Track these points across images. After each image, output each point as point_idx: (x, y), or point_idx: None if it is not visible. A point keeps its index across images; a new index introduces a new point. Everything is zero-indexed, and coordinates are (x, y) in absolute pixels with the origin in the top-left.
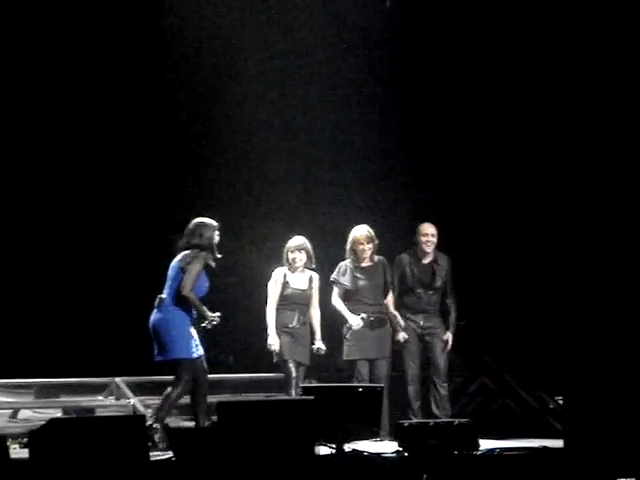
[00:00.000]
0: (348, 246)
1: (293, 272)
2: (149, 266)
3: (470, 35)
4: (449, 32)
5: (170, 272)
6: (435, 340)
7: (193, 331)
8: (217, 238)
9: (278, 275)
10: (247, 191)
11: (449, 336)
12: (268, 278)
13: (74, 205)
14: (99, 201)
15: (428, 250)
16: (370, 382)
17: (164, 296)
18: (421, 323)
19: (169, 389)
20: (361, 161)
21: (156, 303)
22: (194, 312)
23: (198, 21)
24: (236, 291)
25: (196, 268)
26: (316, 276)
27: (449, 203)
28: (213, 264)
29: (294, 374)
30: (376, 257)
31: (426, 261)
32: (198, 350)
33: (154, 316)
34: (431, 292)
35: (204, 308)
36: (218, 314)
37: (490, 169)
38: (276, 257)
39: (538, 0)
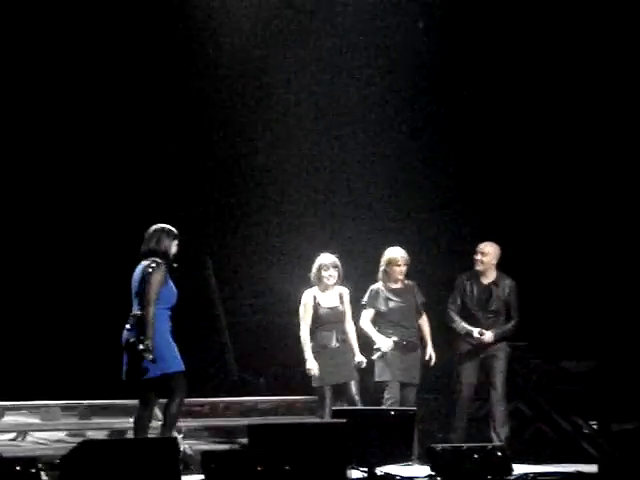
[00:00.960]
0: (382, 267)
1: (323, 291)
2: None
3: (504, 48)
4: (482, 44)
5: (135, 285)
6: (495, 363)
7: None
8: (175, 248)
9: (308, 298)
10: (274, 212)
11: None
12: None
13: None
14: (119, 220)
15: (478, 268)
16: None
17: (138, 312)
18: (481, 346)
19: (167, 404)
20: (393, 181)
21: (132, 322)
22: (169, 322)
23: (233, 32)
24: (266, 312)
25: (156, 279)
26: (346, 291)
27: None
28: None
29: (328, 399)
30: (406, 280)
31: (485, 282)
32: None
33: (129, 333)
34: (489, 315)
35: (151, 331)
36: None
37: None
38: (304, 277)
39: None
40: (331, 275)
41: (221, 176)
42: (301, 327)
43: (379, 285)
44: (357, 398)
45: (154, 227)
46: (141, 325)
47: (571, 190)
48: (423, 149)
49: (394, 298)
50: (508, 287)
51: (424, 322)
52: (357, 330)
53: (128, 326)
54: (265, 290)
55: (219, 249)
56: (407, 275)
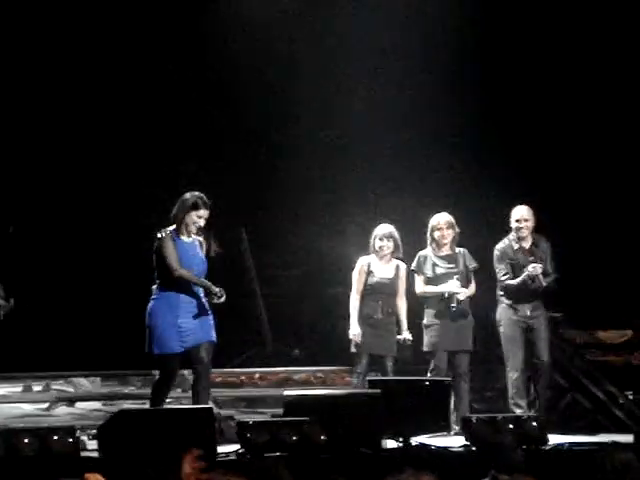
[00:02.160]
0: (428, 233)
1: (379, 260)
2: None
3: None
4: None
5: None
6: (541, 331)
7: (183, 321)
8: (195, 219)
9: (362, 263)
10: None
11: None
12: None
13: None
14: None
15: (522, 235)
16: (449, 376)
17: (153, 287)
18: (528, 313)
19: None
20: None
21: (156, 291)
22: (192, 297)
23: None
24: (301, 283)
25: (166, 247)
26: (403, 265)
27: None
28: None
29: (364, 367)
30: (457, 248)
31: (526, 246)
32: (185, 343)
33: (147, 307)
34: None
35: (205, 282)
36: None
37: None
38: (356, 247)
39: None
40: (385, 245)
41: (259, 147)
42: (352, 292)
43: (427, 251)
44: (391, 373)
45: (188, 195)
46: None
47: (610, 155)
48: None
49: (442, 264)
50: (546, 247)
51: (471, 289)
52: (417, 297)
53: (155, 296)
54: (300, 261)
55: (254, 220)
56: (458, 242)
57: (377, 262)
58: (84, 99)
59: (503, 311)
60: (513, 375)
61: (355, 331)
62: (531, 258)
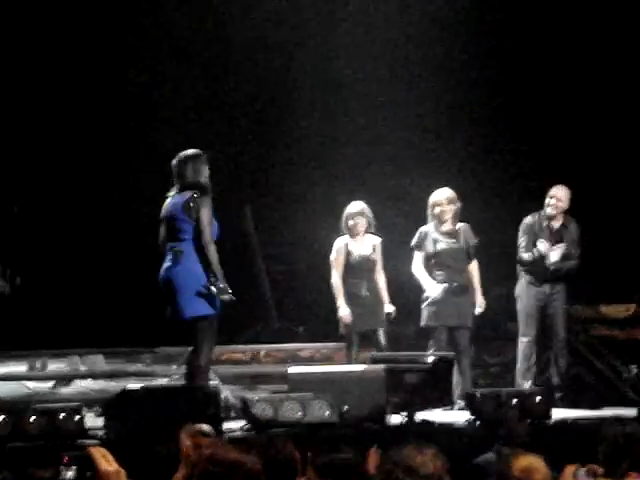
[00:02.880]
0: (429, 210)
1: (354, 239)
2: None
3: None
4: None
5: (173, 217)
6: (559, 309)
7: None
8: (207, 172)
9: (339, 245)
10: (314, 161)
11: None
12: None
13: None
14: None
15: (551, 212)
16: (450, 351)
17: (181, 249)
18: (547, 291)
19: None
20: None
21: (171, 257)
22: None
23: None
24: (304, 261)
25: (206, 214)
26: (378, 240)
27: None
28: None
29: (355, 345)
30: (459, 223)
31: (556, 225)
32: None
33: (173, 270)
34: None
35: (220, 270)
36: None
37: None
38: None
39: None
40: (357, 223)
41: (260, 128)
42: (332, 275)
43: (428, 227)
44: (385, 344)
45: (184, 154)
46: (205, 263)
47: (621, 132)
48: (466, 90)
49: (443, 240)
50: (575, 231)
51: (474, 267)
52: (408, 274)
53: (169, 263)
54: (306, 238)
55: (258, 198)
56: (459, 217)
57: (352, 241)
58: (90, 83)
59: (522, 287)
60: (522, 344)
61: (344, 312)
62: (548, 246)
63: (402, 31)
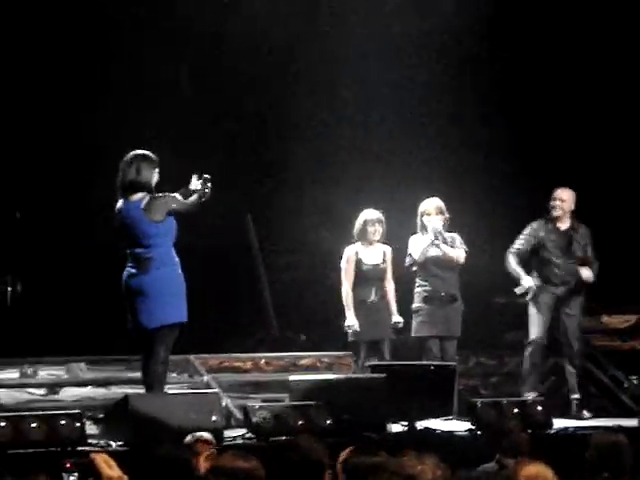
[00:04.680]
0: (418, 219)
1: (366, 247)
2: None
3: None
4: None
5: (129, 223)
6: (572, 316)
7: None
8: (156, 177)
9: (350, 253)
10: (315, 169)
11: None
12: (340, 255)
13: None
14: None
15: (556, 214)
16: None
17: (148, 255)
18: (559, 293)
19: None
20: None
21: (132, 262)
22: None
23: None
24: (307, 269)
25: (174, 202)
26: (388, 249)
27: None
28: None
29: (362, 354)
30: (447, 233)
31: (563, 228)
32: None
33: (141, 278)
34: (571, 261)
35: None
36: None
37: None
38: (348, 234)
39: None
40: (376, 230)
41: (262, 133)
42: (343, 283)
43: (418, 236)
44: (387, 357)
45: (131, 154)
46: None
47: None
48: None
49: (431, 248)
50: (586, 233)
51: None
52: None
53: (132, 270)
54: (306, 247)
55: (260, 206)
56: (450, 226)
57: (363, 249)
58: (91, 87)
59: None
60: (530, 349)
61: (351, 322)
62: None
63: (401, 36)
